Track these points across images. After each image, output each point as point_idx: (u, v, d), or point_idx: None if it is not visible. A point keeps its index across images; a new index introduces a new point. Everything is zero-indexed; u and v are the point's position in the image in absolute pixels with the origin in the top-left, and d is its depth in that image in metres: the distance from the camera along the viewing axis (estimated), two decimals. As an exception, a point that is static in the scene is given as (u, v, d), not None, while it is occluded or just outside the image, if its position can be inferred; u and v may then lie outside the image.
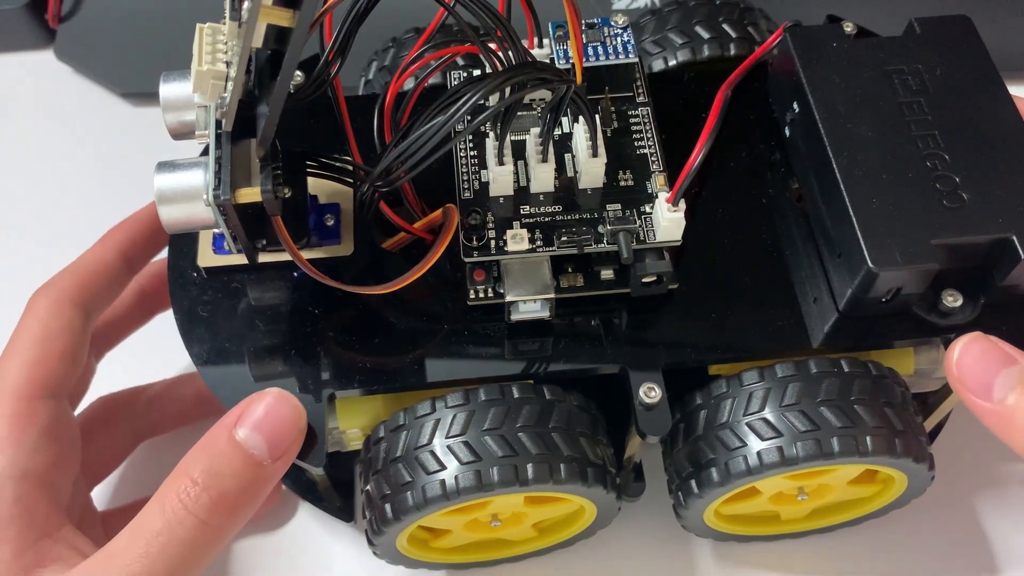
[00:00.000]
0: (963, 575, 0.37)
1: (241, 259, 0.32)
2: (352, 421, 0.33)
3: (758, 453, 0.30)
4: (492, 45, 0.29)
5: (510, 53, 0.27)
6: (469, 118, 0.27)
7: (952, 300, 0.32)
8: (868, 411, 0.30)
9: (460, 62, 0.36)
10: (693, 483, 0.32)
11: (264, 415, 0.29)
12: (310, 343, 0.32)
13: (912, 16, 0.35)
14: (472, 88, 0.25)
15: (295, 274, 0.33)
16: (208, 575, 0.37)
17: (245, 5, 0.22)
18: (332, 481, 0.36)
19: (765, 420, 0.30)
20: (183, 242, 0.34)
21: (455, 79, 0.35)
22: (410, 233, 0.32)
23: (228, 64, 0.25)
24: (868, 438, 0.30)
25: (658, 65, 0.38)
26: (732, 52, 0.38)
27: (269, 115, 0.25)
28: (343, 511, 0.36)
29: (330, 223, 0.33)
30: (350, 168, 0.30)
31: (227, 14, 0.26)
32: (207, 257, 0.33)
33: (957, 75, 0.33)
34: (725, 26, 0.38)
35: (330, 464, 0.34)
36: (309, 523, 0.38)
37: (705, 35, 0.38)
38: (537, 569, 0.36)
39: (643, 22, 0.39)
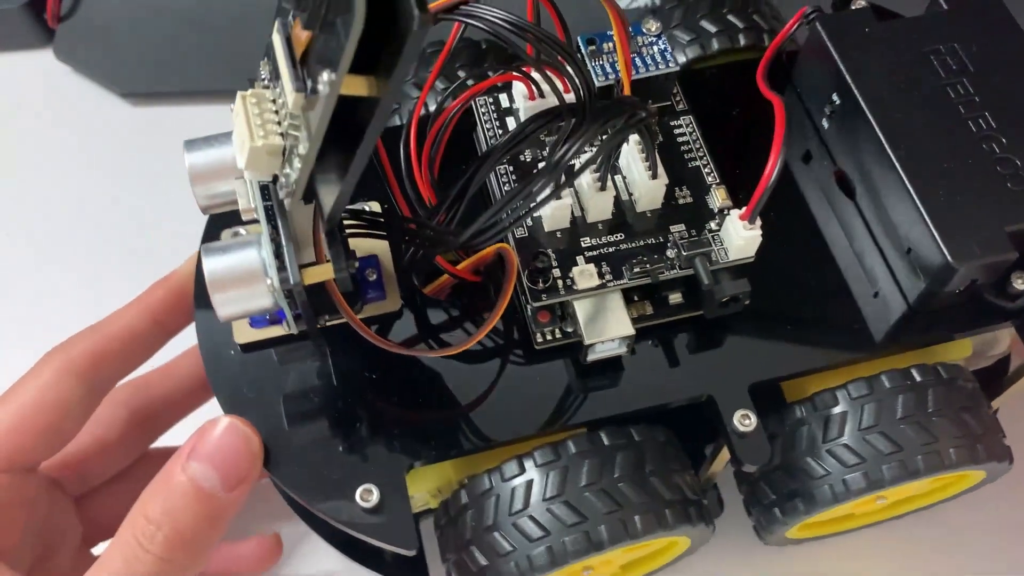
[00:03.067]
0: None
1: (278, 330, 0.29)
2: (419, 486, 0.31)
3: (843, 481, 0.29)
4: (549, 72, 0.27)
5: (577, 83, 0.25)
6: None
7: (1022, 283, 0.31)
8: (948, 422, 0.30)
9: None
10: (777, 511, 0.31)
11: (215, 447, 0.28)
12: (375, 413, 0.29)
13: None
14: (574, 138, 0.23)
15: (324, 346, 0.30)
16: None
17: (324, 77, 0.20)
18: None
19: (847, 446, 0.30)
20: (210, 319, 0.30)
21: (481, 106, 0.32)
22: (454, 276, 0.30)
23: (283, 135, 0.23)
24: (952, 451, 0.29)
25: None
26: (741, 43, 0.37)
27: (343, 190, 0.22)
28: (415, 577, 0.34)
29: (372, 278, 0.30)
30: (398, 223, 0.28)
31: (269, 79, 0.23)
32: (243, 333, 0.30)
33: (992, 49, 0.33)
34: (731, 17, 0.37)
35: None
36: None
37: (712, 29, 0.37)
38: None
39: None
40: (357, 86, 0.20)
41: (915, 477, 0.29)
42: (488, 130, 0.32)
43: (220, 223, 0.32)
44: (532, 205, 0.24)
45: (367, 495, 0.28)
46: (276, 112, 0.23)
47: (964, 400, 0.31)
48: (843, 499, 0.30)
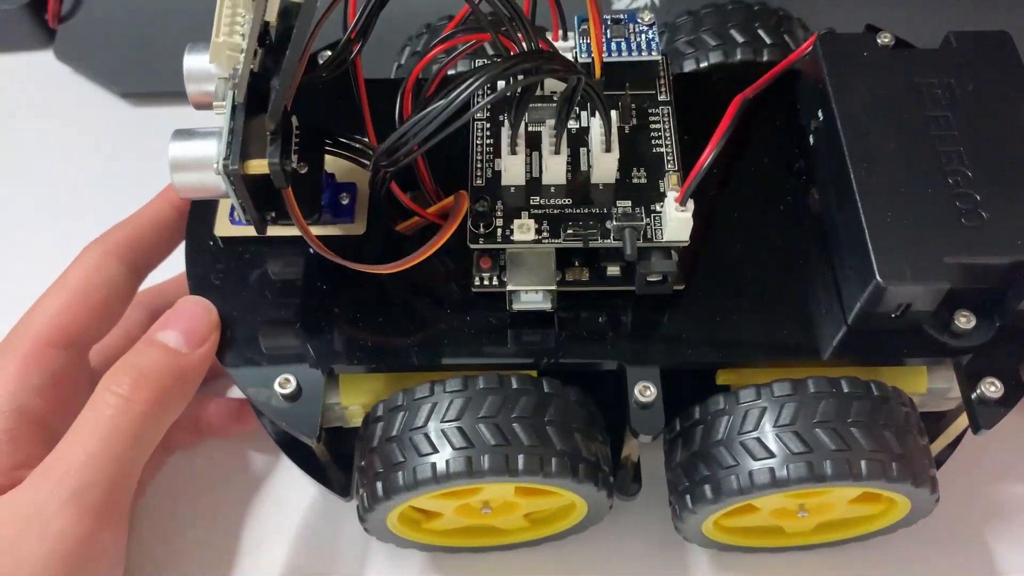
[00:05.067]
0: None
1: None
2: (355, 398, 0.33)
3: (749, 473, 0.30)
4: (519, 35, 0.29)
5: (523, 43, 0.27)
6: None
7: (965, 322, 0.31)
8: (865, 434, 0.29)
9: (490, 51, 0.36)
10: (688, 498, 0.32)
11: (176, 314, 0.32)
12: (316, 318, 0.32)
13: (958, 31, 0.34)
14: (476, 74, 0.25)
15: (311, 251, 0.34)
16: (213, 538, 0.38)
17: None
18: (336, 457, 0.37)
19: (759, 440, 0.30)
20: (204, 210, 0.34)
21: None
22: (423, 217, 0.33)
23: (244, 36, 0.26)
24: (863, 462, 0.29)
25: (689, 66, 0.37)
26: (765, 58, 0.38)
27: (279, 88, 0.25)
28: (343, 487, 0.37)
29: (345, 202, 0.34)
30: (366, 150, 0.31)
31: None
32: (224, 227, 0.34)
33: (990, 92, 0.33)
34: (761, 31, 0.38)
35: (335, 440, 0.35)
36: (315, 500, 0.39)
37: (739, 39, 0.38)
38: (527, 559, 0.36)
39: (680, 22, 0.39)
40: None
41: (821, 482, 0.30)
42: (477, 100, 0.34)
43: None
44: (432, 128, 0.26)
45: (285, 383, 0.31)
46: (243, 16, 0.26)
47: (891, 420, 0.30)
48: (748, 492, 0.30)
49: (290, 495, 0.39)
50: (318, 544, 0.38)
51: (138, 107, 0.49)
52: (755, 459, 0.30)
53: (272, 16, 0.24)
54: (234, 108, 0.28)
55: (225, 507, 0.39)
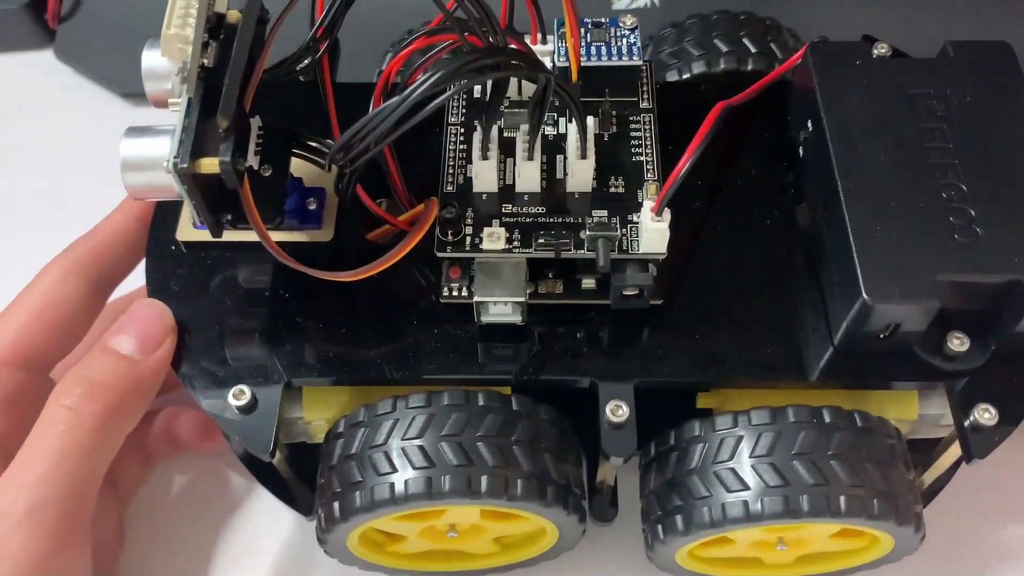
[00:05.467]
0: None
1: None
2: (319, 412, 0.32)
3: (722, 506, 0.28)
4: (488, 37, 0.28)
5: (491, 42, 0.26)
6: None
7: (958, 344, 0.29)
8: (845, 468, 0.28)
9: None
10: (659, 528, 0.30)
11: (129, 319, 0.31)
12: (277, 327, 0.31)
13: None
14: (433, 70, 0.24)
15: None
16: (194, 553, 0.37)
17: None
18: (301, 474, 0.35)
19: (733, 471, 0.28)
20: (167, 213, 0.33)
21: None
22: (392, 224, 0.31)
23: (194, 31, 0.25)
24: (842, 498, 0.27)
25: (672, 76, 0.36)
26: (749, 67, 0.36)
27: (227, 83, 0.24)
28: (308, 506, 0.35)
29: (312, 207, 0.32)
30: (314, 146, 0.29)
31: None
32: (186, 231, 0.32)
33: (988, 103, 0.31)
34: (746, 40, 0.37)
35: (300, 456, 0.33)
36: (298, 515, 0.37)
37: (723, 48, 0.37)
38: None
39: (664, 33, 0.38)
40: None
41: (797, 517, 0.28)
42: (452, 103, 0.33)
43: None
44: (387, 126, 0.25)
45: (240, 395, 0.29)
46: (196, 10, 0.25)
47: (875, 452, 0.29)
48: (720, 526, 0.29)
49: (273, 509, 0.37)
50: (300, 560, 0.36)
51: (138, 107, 0.49)
52: (729, 491, 0.28)
53: (221, 7, 0.23)
54: (188, 104, 0.27)
55: (205, 522, 0.37)
